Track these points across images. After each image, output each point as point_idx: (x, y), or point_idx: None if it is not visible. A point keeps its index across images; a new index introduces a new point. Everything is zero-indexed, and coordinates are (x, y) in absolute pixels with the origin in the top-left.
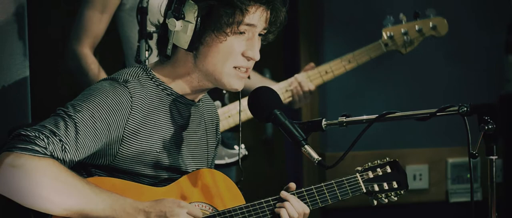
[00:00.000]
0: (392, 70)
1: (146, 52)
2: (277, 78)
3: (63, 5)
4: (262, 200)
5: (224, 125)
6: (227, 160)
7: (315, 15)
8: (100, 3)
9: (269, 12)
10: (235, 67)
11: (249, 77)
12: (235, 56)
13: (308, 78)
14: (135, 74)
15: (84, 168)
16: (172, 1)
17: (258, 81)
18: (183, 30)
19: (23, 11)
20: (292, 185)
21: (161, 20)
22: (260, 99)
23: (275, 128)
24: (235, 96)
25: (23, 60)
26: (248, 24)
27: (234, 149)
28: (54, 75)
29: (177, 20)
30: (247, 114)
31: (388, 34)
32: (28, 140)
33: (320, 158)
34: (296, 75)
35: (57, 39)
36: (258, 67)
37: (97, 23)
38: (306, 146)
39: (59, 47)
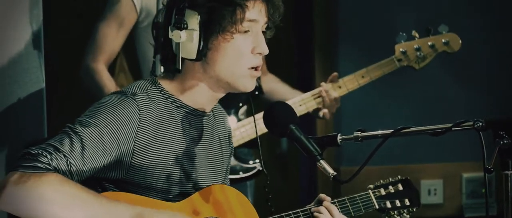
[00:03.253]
0: (406, 86)
1: (161, 67)
2: None
3: (80, 17)
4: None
5: (238, 139)
6: (242, 175)
7: (330, 30)
8: (116, 20)
9: (268, 5)
10: (249, 68)
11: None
12: (246, 55)
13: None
14: (144, 87)
15: (98, 183)
16: (171, 14)
17: (288, 92)
18: (188, 40)
19: (39, 25)
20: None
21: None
22: (275, 115)
23: (290, 143)
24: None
25: (39, 74)
26: (250, 20)
27: (249, 163)
28: (70, 88)
29: (180, 30)
30: (261, 128)
31: (401, 50)
32: (31, 158)
33: (335, 173)
34: (322, 84)
35: (73, 52)
36: None
37: (112, 40)
38: (321, 161)
39: (75, 60)
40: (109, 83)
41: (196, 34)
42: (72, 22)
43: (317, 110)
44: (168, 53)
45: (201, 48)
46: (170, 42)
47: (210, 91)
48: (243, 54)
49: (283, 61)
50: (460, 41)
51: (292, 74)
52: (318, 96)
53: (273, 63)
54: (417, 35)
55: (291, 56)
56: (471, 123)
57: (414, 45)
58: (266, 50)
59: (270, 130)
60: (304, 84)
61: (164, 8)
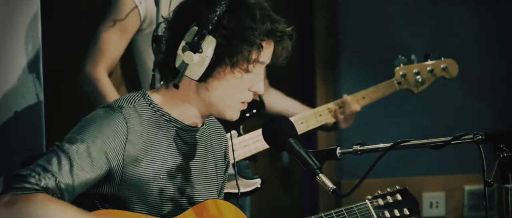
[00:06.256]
0: (408, 98)
1: (162, 81)
2: None
3: (80, 28)
4: None
5: (239, 153)
6: (242, 190)
7: (331, 47)
8: (119, 25)
9: (279, 48)
10: (240, 101)
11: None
12: (243, 91)
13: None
14: (131, 100)
15: (97, 200)
16: (184, 32)
17: (297, 107)
18: (198, 64)
19: (38, 40)
20: None
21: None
22: (275, 129)
23: (290, 156)
24: (250, 127)
25: (37, 89)
26: (260, 62)
27: (252, 179)
28: (69, 102)
29: (194, 53)
30: (263, 144)
31: (401, 73)
32: (21, 180)
33: (334, 187)
34: (345, 96)
35: (72, 65)
36: None
37: (114, 46)
38: (320, 175)
39: (74, 72)
40: (110, 92)
41: (207, 60)
42: (73, 37)
43: (336, 123)
44: (170, 64)
45: (206, 74)
46: (175, 54)
47: (196, 111)
48: (241, 89)
49: (284, 78)
50: (457, 67)
51: (293, 92)
52: (332, 110)
53: (275, 80)
54: (415, 59)
55: (292, 72)
56: (470, 136)
57: (413, 69)
58: (262, 91)
59: (269, 143)
60: (305, 101)
61: (174, 17)
